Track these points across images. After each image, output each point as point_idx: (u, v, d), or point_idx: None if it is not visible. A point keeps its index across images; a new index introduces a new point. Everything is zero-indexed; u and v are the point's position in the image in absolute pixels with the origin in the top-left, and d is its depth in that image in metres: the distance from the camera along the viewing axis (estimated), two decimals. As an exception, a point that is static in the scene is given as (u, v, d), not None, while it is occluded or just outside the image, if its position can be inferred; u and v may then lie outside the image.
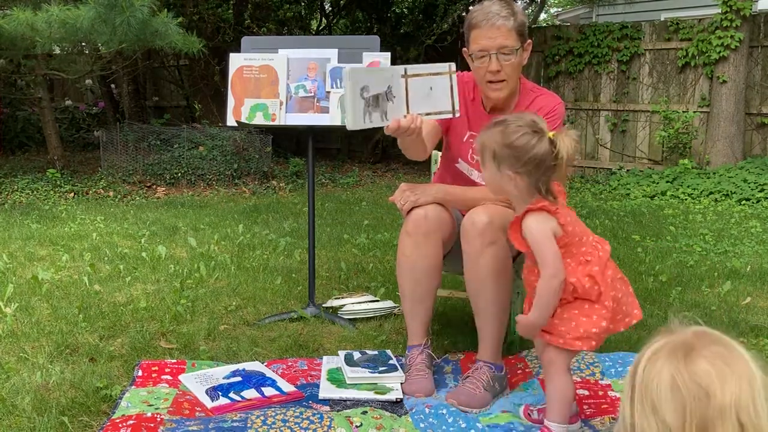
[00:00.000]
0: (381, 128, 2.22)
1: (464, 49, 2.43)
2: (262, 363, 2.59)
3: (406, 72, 2.20)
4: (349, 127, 2.15)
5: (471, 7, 2.53)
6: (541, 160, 1.89)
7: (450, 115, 2.29)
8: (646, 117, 8.31)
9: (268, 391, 2.36)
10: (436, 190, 2.44)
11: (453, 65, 2.27)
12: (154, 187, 7.19)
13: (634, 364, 1.12)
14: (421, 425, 2.11)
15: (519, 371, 2.51)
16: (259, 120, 3.04)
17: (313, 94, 3.05)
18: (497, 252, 2.24)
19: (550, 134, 1.90)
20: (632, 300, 2.00)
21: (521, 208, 1.95)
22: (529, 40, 2.42)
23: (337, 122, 3.02)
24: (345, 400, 2.32)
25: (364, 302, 3.18)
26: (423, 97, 2.22)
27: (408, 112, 2.21)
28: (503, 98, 2.43)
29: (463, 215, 2.37)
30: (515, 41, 2.33)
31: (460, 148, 2.56)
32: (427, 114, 2.24)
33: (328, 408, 2.28)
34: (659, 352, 1.09)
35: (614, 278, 1.95)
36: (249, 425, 2.02)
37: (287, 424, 2.04)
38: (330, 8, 11.13)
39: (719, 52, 7.55)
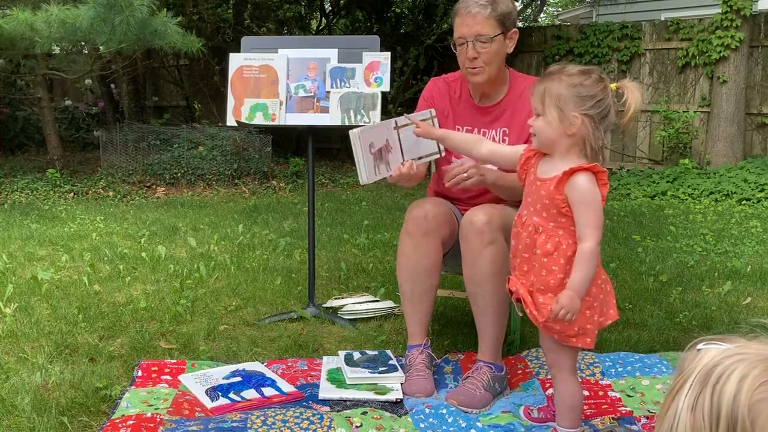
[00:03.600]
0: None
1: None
2: (262, 363, 2.59)
3: (397, 124, 2.34)
4: (363, 181, 2.30)
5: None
6: (605, 108, 1.80)
7: (437, 156, 2.45)
8: (647, 117, 8.31)
9: (268, 391, 2.35)
10: (492, 174, 2.35)
11: (433, 110, 2.44)
12: (154, 187, 7.19)
13: (714, 398, 0.84)
14: (421, 425, 2.11)
15: (519, 371, 2.51)
16: (258, 120, 3.04)
17: (313, 94, 3.05)
18: (496, 251, 2.23)
19: (614, 85, 1.83)
20: (610, 300, 1.94)
21: (570, 160, 1.83)
22: (515, 29, 2.41)
23: (337, 122, 3.02)
24: (345, 401, 2.31)
25: (364, 302, 3.18)
26: (413, 144, 2.37)
27: (404, 160, 2.35)
28: (484, 84, 2.45)
29: (463, 213, 2.37)
30: (493, 29, 2.34)
31: None
32: (419, 158, 2.40)
33: (328, 408, 2.27)
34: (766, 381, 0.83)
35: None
36: (249, 425, 2.02)
37: (287, 424, 2.03)
38: (330, 8, 11.12)
39: (719, 52, 7.55)
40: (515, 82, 2.51)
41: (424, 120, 2.38)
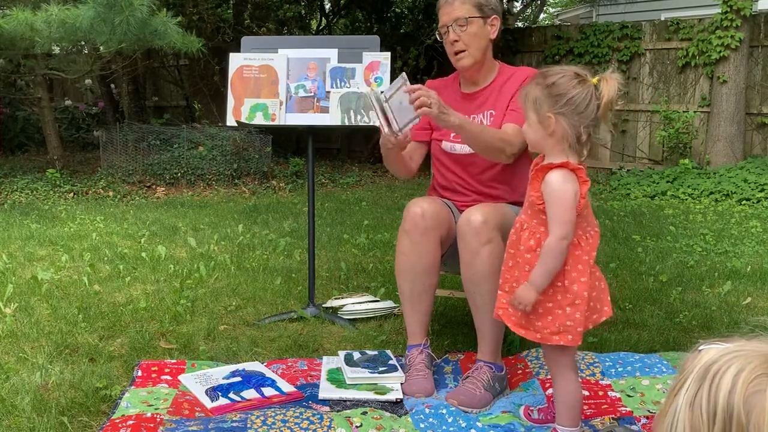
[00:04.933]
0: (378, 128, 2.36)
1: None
2: (262, 363, 2.59)
3: (386, 97, 2.31)
4: (396, 129, 2.30)
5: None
6: (580, 104, 1.83)
7: (417, 120, 2.37)
8: (647, 117, 8.31)
9: (268, 391, 2.35)
10: (457, 116, 2.30)
11: (404, 74, 2.39)
12: (154, 187, 7.19)
13: (711, 393, 0.86)
14: (421, 425, 2.11)
15: (519, 371, 2.51)
16: (258, 120, 3.04)
17: (313, 94, 3.05)
18: (494, 251, 2.23)
19: (594, 80, 1.86)
20: (604, 297, 1.96)
21: (556, 158, 1.87)
22: (495, 16, 2.51)
23: (337, 122, 3.02)
24: (345, 401, 2.31)
25: (364, 302, 3.18)
26: (401, 111, 2.33)
27: (398, 127, 2.32)
28: (471, 68, 2.52)
29: (461, 211, 2.37)
30: (468, 12, 2.46)
31: (444, 134, 2.62)
32: (411, 121, 2.34)
33: (327, 408, 2.27)
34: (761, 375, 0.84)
35: (591, 273, 1.93)
36: (249, 425, 2.02)
37: (287, 424, 2.03)
38: (330, 8, 11.13)
39: (719, 52, 7.55)
40: (503, 69, 2.60)
41: (398, 88, 2.31)
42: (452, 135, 2.57)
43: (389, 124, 2.31)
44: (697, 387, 0.87)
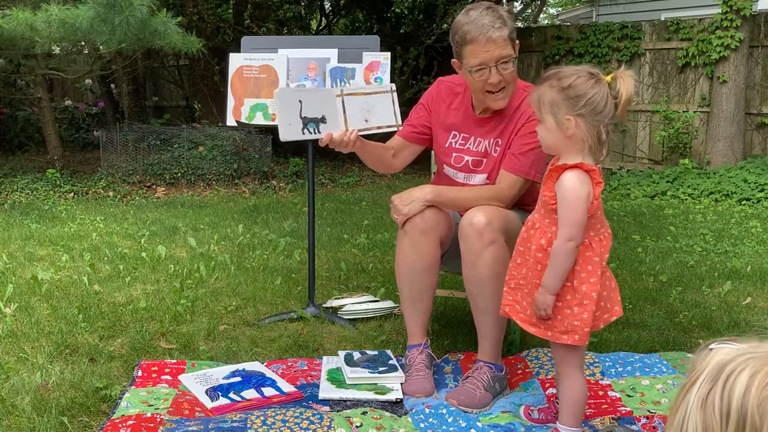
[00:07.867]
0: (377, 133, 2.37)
1: (454, 60, 2.39)
2: (262, 363, 2.59)
3: (342, 92, 2.33)
4: (282, 138, 2.33)
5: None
6: (599, 104, 1.83)
7: (395, 128, 2.44)
8: (647, 117, 8.31)
9: (268, 391, 2.35)
10: (427, 192, 2.40)
11: (393, 85, 2.43)
12: (154, 187, 7.19)
13: (724, 394, 0.85)
14: (421, 425, 2.11)
15: (519, 371, 2.51)
16: (259, 120, 3.04)
17: (313, 93, 3.05)
18: (496, 252, 2.23)
19: (608, 78, 1.86)
20: (614, 296, 1.97)
21: (571, 159, 1.86)
22: (517, 41, 2.39)
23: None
24: (345, 401, 2.31)
25: (364, 302, 3.18)
26: (363, 113, 2.36)
27: (347, 129, 2.33)
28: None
29: (461, 215, 2.37)
30: (511, 49, 2.32)
31: (444, 154, 2.58)
32: (369, 129, 2.37)
33: (327, 408, 2.27)
34: None
35: (602, 273, 1.94)
36: (249, 425, 2.02)
37: (287, 424, 2.03)
38: (330, 8, 11.13)
39: (719, 52, 7.55)
40: (516, 93, 2.45)
41: (382, 91, 2.36)
42: (453, 158, 2.55)
43: (346, 122, 2.33)
44: (709, 386, 0.86)
